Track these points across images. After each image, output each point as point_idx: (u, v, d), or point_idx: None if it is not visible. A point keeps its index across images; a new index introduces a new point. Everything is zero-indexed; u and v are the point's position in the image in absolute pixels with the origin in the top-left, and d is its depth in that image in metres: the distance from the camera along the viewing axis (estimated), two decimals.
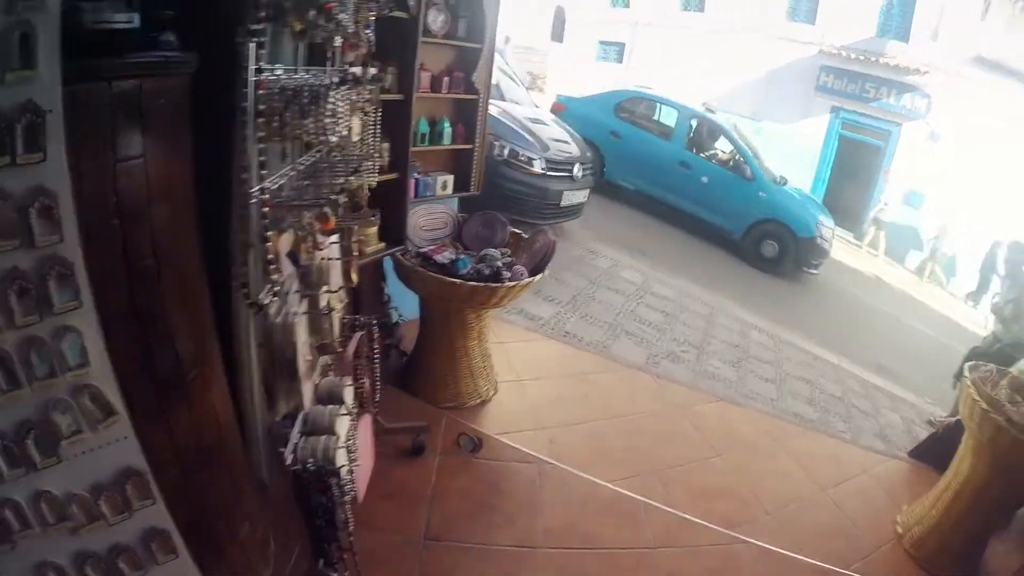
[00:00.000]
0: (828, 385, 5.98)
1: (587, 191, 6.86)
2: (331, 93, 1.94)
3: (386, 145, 3.37)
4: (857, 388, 6.33)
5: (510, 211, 6.05)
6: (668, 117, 10.54)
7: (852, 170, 14.90)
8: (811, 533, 3.60)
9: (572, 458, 3.59)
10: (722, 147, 10.53)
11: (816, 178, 15.41)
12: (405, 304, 4.31)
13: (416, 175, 4.25)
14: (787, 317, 7.57)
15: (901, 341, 9.03)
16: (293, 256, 1.96)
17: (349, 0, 2.30)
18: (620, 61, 19.32)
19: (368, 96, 2.46)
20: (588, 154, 7.10)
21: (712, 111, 10.30)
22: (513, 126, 6.19)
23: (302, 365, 2.03)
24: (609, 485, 3.42)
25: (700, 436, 4.26)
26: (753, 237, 9.62)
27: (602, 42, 19.90)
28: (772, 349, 6.27)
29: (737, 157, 9.90)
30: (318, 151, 2.06)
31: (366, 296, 3.66)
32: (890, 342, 8.70)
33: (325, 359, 2.31)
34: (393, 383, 3.90)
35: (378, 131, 2.74)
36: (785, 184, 10.00)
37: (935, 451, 4.70)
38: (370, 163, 2.59)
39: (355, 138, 2.33)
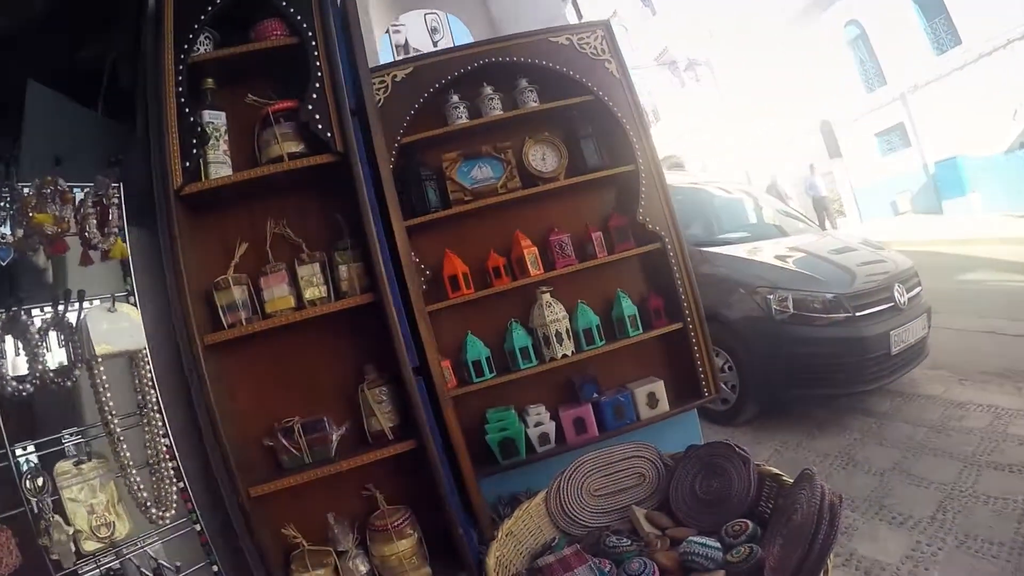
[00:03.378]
0: None
1: (924, 317, 4.24)
2: None
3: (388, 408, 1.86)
4: None
5: (814, 388, 3.87)
6: None
7: None
8: None
9: None
10: None
11: None
12: None
13: (595, 395, 2.54)
14: None
15: None
16: None
17: None
18: (908, 144, 15.91)
19: None
20: (911, 265, 4.60)
21: None
22: (797, 268, 4.18)
23: None
24: None
25: None
26: None
27: (879, 134, 16.78)
28: None
29: None
30: None
31: None
32: None
33: None
34: None
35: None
36: None
37: None
38: None
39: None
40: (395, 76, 2.67)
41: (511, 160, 2.65)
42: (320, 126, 1.96)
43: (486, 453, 2.52)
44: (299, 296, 1.97)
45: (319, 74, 2.00)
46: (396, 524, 1.86)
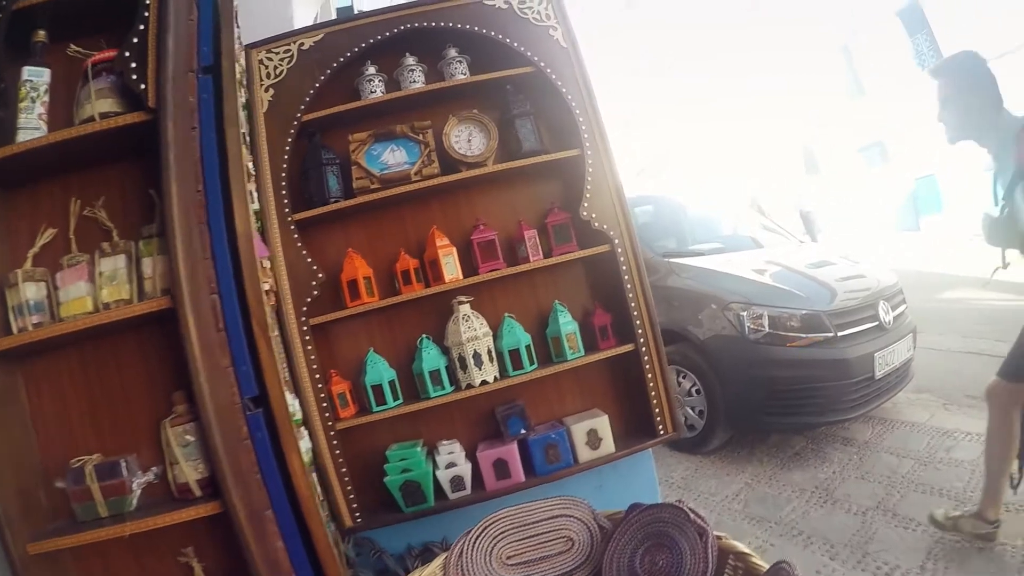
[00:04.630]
0: None
1: (910, 338, 3.87)
2: None
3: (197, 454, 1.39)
4: None
5: (790, 415, 3.46)
6: None
7: None
8: None
9: None
10: None
11: None
12: None
13: (522, 431, 2.08)
14: None
15: None
16: None
17: None
18: (887, 160, 15.79)
19: None
20: (895, 282, 4.23)
21: None
22: (773, 282, 3.76)
23: None
24: None
25: None
26: None
27: (860, 150, 16.46)
28: None
29: None
30: None
31: None
32: None
33: None
34: None
35: None
36: None
37: None
38: None
39: None
40: (302, 44, 2.23)
41: (430, 142, 2.18)
42: (135, 77, 1.49)
43: (392, 496, 2.06)
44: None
45: (145, 14, 1.54)
46: None
